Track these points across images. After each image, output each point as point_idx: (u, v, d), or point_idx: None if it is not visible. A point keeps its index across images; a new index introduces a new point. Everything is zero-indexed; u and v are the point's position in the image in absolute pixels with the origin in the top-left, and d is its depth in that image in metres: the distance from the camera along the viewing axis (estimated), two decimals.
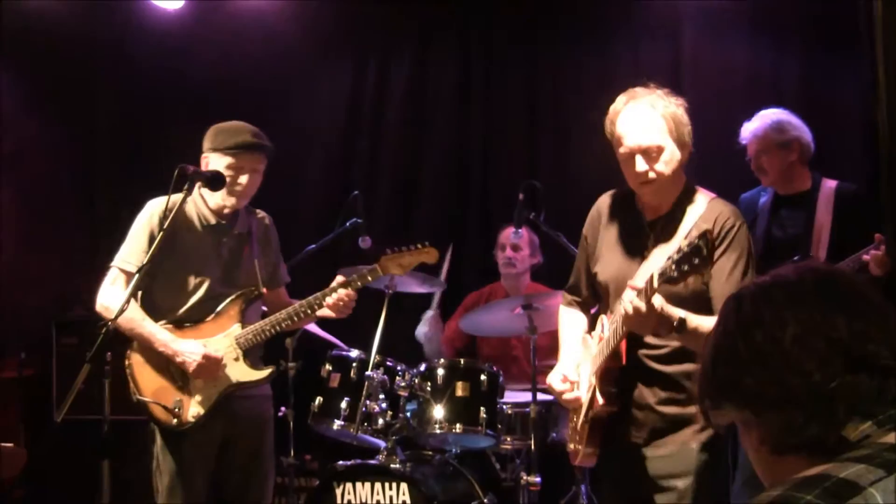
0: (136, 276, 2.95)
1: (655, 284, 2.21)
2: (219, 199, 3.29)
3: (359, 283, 3.31)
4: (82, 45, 5.45)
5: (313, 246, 4.29)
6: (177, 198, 3.13)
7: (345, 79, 5.53)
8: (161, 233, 3.03)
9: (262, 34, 5.38)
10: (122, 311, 2.85)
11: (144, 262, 2.97)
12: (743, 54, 4.99)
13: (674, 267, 2.13)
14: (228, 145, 3.24)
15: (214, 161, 3.25)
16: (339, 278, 3.32)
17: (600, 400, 2.52)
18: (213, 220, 3.32)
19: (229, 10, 5.40)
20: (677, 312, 2.31)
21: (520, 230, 4.12)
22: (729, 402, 1.25)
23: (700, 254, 2.08)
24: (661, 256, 2.44)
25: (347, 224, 4.26)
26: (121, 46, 5.49)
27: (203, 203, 3.32)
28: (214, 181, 3.15)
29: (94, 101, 5.63)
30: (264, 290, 3.38)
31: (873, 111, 3.25)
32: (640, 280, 2.38)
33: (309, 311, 3.29)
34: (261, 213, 3.50)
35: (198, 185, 3.22)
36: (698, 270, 2.11)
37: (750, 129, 3.91)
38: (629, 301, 2.29)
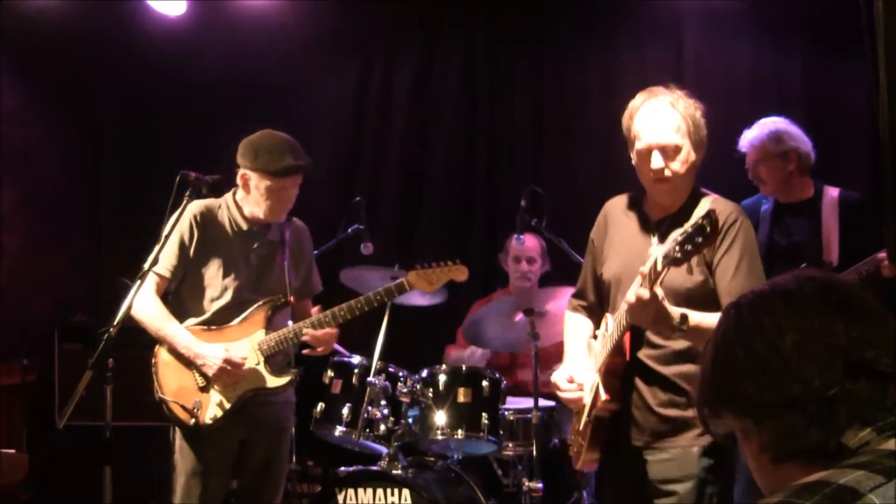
0: (140, 280, 2.96)
1: (660, 267, 2.21)
2: (257, 211, 3.30)
3: (385, 298, 3.33)
4: (87, 48, 5.47)
5: (315, 251, 4.29)
6: (202, 202, 3.22)
7: (349, 81, 5.54)
8: (164, 238, 3.05)
9: (265, 37, 5.39)
10: (124, 316, 2.86)
11: (146, 266, 2.99)
12: (746, 55, 4.99)
13: (678, 248, 2.13)
14: (274, 170, 3.22)
15: (256, 181, 3.25)
16: (368, 293, 3.33)
17: (603, 395, 2.51)
18: (244, 227, 3.34)
19: (232, 13, 5.41)
20: (678, 310, 2.32)
21: (521, 236, 4.11)
22: (728, 410, 1.25)
23: (703, 232, 2.09)
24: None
25: (349, 230, 4.26)
26: (126, 49, 5.50)
27: (236, 209, 3.34)
28: (216, 187, 3.17)
29: (99, 104, 5.65)
30: (292, 298, 3.38)
31: (875, 113, 3.24)
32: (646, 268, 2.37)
33: (332, 321, 3.31)
34: (297, 221, 3.51)
35: (231, 191, 3.30)
36: (701, 249, 2.12)
37: (748, 139, 3.90)
38: (632, 290, 2.30)
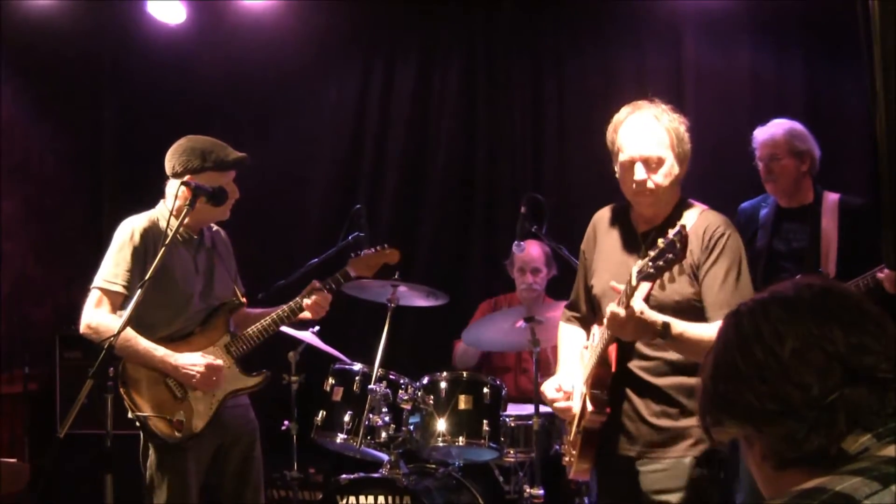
0: (140, 290, 2.92)
1: (634, 282, 2.24)
2: (206, 215, 3.29)
3: (332, 285, 3.46)
4: (87, 57, 5.48)
5: (316, 259, 4.30)
6: (144, 216, 3.21)
7: (348, 88, 5.54)
8: (163, 247, 2.99)
9: (264, 43, 5.41)
10: (124, 326, 2.85)
11: (147, 278, 2.95)
12: (746, 59, 4.99)
13: (650, 264, 2.18)
14: (229, 163, 3.26)
15: (217, 180, 3.23)
16: (310, 286, 3.45)
17: (590, 407, 2.52)
18: (185, 235, 3.32)
19: (231, 19, 5.42)
20: (660, 318, 2.33)
21: (521, 243, 4.11)
22: (730, 418, 1.25)
23: (674, 248, 2.13)
24: None
25: (350, 237, 4.26)
26: (126, 56, 5.52)
27: (175, 220, 3.26)
28: (217, 196, 3.16)
29: (100, 112, 5.66)
30: (244, 298, 3.45)
31: (871, 118, 3.25)
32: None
33: (291, 315, 3.41)
34: (215, 227, 3.50)
35: (161, 202, 3.30)
36: (671, 265, 2.16)
37: (768, 132, 3.88)
38: (608, 307, 2.32)
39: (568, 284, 4.14)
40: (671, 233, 2.14)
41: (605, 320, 2.38)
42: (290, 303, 3.41)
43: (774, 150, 3.84)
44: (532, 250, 4.39)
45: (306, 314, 3.45)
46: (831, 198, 3.86)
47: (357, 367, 3.88)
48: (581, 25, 5.28)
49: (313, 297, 3.41)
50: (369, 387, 3.68)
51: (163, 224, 3.25)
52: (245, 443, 3.39)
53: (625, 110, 2.59)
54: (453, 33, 5.49)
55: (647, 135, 2.51)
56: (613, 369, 2.54)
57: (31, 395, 4.91)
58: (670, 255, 2.13)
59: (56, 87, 5.37)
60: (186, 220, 3.21)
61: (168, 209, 3.27)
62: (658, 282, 2.27)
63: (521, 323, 3.91)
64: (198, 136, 3.33)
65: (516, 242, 4.13)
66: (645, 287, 2.28)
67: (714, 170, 4.40)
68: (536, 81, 5.37)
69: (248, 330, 3.37)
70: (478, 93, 5.42)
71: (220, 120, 5.45)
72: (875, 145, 3.44)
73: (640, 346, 2.52)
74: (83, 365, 4.53)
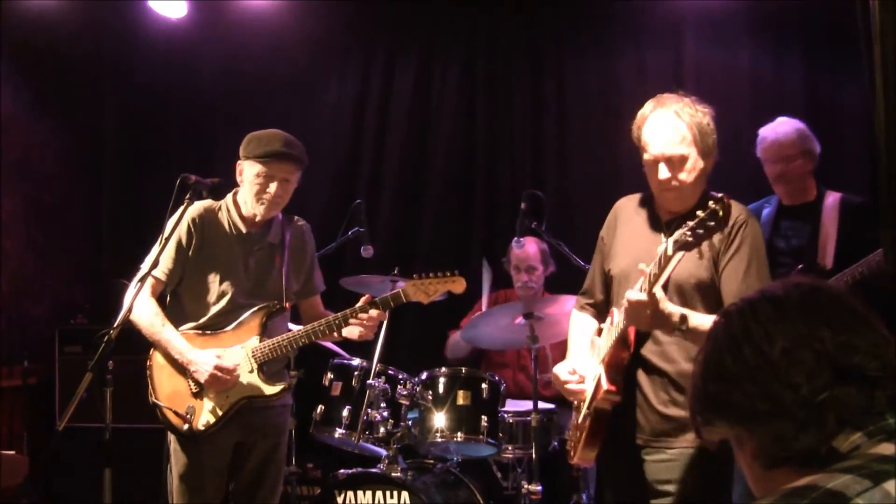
0: (137, 283, 2.98)
1: (670, 252, 2.24)
2: (250, 206, 3.27)
3: (381, 307, 3.22)
4: (88, 53, 5.49)
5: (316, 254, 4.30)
6: (201, 204, 3.21)
7: (349, 84, 5.55)
8: (164, 241, 3.04)
9: (265, 40, 5.42)
10: (124, 318, 2.86)
11: (146, 269, 3.01)
12: (746, 59, 4.99)
13: (689, 233, 2.17)
14: (258, 153, 3.22)
15: (247, 169, 3.25)
16: (363, 300, 3.24)
17: (605, 385, 2.51)
18: (243, 230, 3.31)
19: (232, 17, 5.43)
20: (678, 310, 2.34)
21: (521, 240, 4.12)
22: (720, 419, 1.26)
23: (716, 216, 2.12)
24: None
25: (350, 233, 4.27)
26: (127, 52, 5.52)
27: (236, 211, 3.32)
28: (216, 190, 3.16)
29: (100, 108, 5.66)
30: (287, 304, 3.34)
31: (872, 117, 3.25)
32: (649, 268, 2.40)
33: (327, 332, 3.24)
34: (299, 221, 3.47)
35: (232, 192, 3.28)
36: (712, 233, 2.15)
37: (779, 132, 3.85)
38: (629, 292, 2.33)
39: (567, 281, 4.17)
40: (711, 203, 2.13)
41: (623, 308, 2.39)
42: (329, 318, 3.25)
43: (790, 149, 3.82)
44: (528, 248, 4.39)
45: (350, 332, 3.24)
46: (833, 196, 3.85)
47: (356, 362, 3.89)
48: (581, 25, 5.28)
49: (371, 313, 3.19)
50: (368, 382, 3.69)
51: (223, 214, 3.31)
52: (269, 444, 3.34)
53: (649, 105, 2.61)
54: (453, 33, 5.48)
55: (669, 133, 2.53)
56: (632, 350, 2.55)
57: (30, 388, 4.93)
58: (712, 223, 2.13)
59: (56, 84, 5.38)
60: (245, 213, 3.28)
61: (233, 198, 3.32)
62: (678, 264, 2.27)
63: (520, 319, 3.91)
64: (275, 130, 3.29)
65: (516, 239, 4.14)
66: (678, 258, 2.27)
67: (713, 170, 4.39)
68: (536, 81, 5.36)
69: (278, 338, 3.25)
70: (478, 92, 5.42)
71: (220, 117, 5.47)
72: (874, 145, 3.44)
73: (655, 331, 2.53)
74: (83, 359, 4.55)
